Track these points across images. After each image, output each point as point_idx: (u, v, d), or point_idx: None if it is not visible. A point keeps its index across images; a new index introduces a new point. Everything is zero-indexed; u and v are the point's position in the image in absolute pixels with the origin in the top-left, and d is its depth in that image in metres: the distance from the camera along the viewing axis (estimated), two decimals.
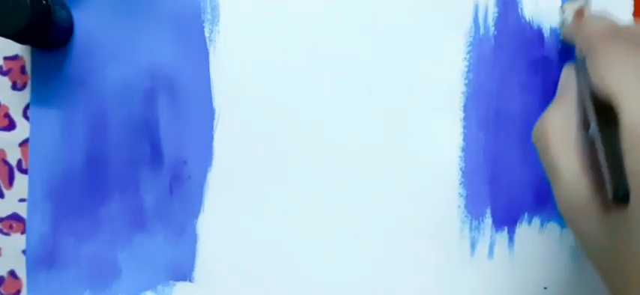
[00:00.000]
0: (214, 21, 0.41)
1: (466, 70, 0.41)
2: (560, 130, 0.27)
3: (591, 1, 0.37)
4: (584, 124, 0.27)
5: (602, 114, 0.24)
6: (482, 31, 0.41)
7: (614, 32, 0.27)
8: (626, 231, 0.23)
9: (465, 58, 0.41)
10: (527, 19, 0.41)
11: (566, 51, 0.40)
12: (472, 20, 0.41)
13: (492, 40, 0.41)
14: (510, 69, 0.41)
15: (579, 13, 0.34)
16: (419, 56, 0.41)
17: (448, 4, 0.41)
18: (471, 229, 0.41)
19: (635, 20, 0.41)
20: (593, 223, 0.25)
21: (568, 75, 0.29)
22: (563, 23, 0.38)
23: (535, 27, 0.41)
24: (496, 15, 0.41)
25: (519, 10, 0.41)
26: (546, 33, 0.41)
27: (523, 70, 0.41)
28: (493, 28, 0.41)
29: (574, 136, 0.27)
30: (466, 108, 0.41)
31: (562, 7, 0.39)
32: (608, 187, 0.23)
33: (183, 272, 0.42)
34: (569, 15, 0.37)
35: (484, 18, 0.41)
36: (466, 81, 0.41)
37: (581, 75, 0.28)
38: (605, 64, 0.25)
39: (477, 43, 0.41)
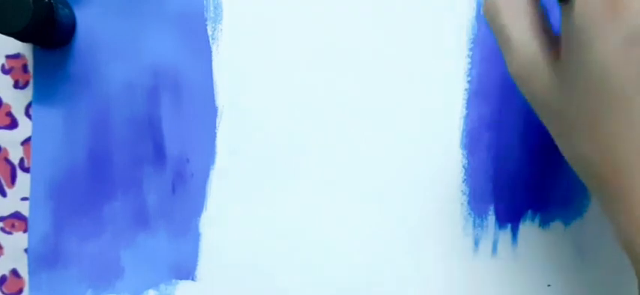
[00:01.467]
0: (217, 19, 0.41)
1: (469, 67, 0.41)
2: (513, 3, 0.28)
3: None
4: None
5: None
6: (485, 27, 0.41)
7: None
8: (570, 74, 0.25)
9: (468, 55, 0.41)
10: None
11: None
12: (474, 17, 0.41)
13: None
14: None
15: None
16: (421, 53, 0.41)
17: (450, 2, 0.41)
18: (474, 226, 0.41)
19: None
20: (543, 80, 0.27)
21: None
22: None
23: None
24: None
25: None
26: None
27: None
28: None
29: (523, 3, 0.28)
30: (469, 105, 0.41)
31: None
32: None
33: (186, 271, 0.42)
34: None
35: None
36: (469, 79, 0.41)
37: None
38: None
39: (479, 40, 0.41)
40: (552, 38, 0.28)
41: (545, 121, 0.28)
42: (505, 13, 0.28)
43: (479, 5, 0.41)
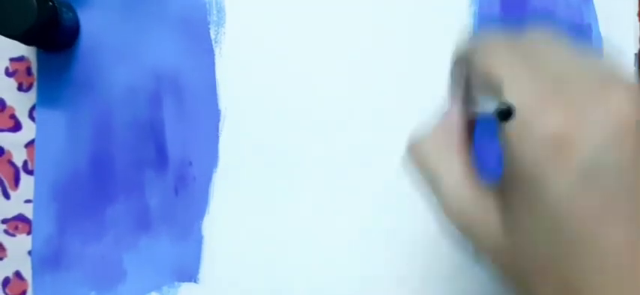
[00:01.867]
0: (220, 22, 0.42)
1: None
2: (442, 146, 0.27)
3: None
4: (467, 126, 0.27)
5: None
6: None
7: (491, 35, 0.28)
8: (518, 220, 0.24)
9: None
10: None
11: None
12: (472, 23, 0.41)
13: None
14: None
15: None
16: (426, 62, 0.41)
17: (447, 8, 0.42)
18: None
19: (638, 19, 0.41)
20: (485, 226, 0.25)
21: (451, 98, 0.29)
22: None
23: None
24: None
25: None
26: None
27: None
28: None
29: (454, 143, 0.27)
30: None
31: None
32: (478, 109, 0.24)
33: (189, 274, 0.42)
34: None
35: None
36: None
37: (460, 81, 0.28)
38: (488, 55, 0.25)
39: None
40: (488, 183, 0.27)
41: (490, 266, 0.27)
42: (433, 156, 0.27)
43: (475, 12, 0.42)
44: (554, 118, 0.22)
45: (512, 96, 0.23)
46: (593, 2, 0.41)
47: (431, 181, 0.27)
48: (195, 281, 0.42)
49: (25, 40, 0.38)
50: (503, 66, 0.24)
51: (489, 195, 0.26)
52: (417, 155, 0.27)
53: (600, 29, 0.41)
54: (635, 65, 0.41)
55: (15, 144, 0.42)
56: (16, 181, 0.42)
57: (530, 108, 0.23)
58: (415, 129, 0.28)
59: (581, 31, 0.41)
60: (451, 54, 0.28)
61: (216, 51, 0.42)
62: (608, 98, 0.22)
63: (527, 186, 0.23)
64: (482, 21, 0.41)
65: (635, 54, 0.41)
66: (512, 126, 0.23)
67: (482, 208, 0.26)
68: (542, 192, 0.22)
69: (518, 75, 0.24)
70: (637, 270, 0.22)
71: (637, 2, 0.41)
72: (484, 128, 0.28)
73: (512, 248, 0.24)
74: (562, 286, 0.23)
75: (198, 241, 0.42)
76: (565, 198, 0.22)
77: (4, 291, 0.42)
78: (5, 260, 0.42)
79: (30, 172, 0.42)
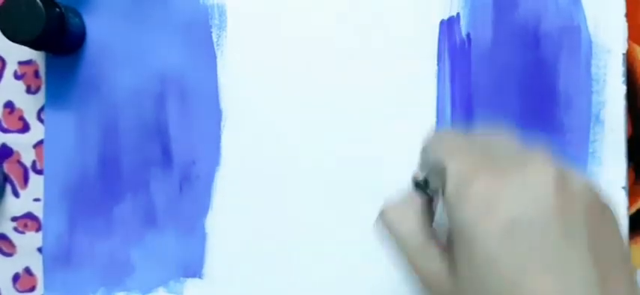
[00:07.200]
0: (222, 26, 0.43)
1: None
2: (406, 211, 0.32)
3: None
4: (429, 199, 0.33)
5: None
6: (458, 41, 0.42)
7: (444, 131, 0.34)
8: (459, 267, 0.28)
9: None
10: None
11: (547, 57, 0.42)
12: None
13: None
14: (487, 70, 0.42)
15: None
16: (429, 59, 0.42)
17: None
18: None
19: (627, 20, 0.42)
20: (435, 272, 0.29)
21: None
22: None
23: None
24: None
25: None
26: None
27: (505, 73, 0.42)
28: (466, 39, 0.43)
29: (418, 214, 0.31)
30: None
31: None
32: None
33: (194, 269, 0.43)
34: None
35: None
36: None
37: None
38: (438, 144, 0.31)
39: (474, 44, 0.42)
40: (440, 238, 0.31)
41: None
42: (399, 218, 0.31)
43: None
44: (483, 182, 0.26)
45: (451, 167, 0.28)
46: (581, 4, 0.42)
47: (397, 240, 0.31)
48: (199, 277, 0.43)
49: (33, 45, 0.39)
50: (447, 148, 0.30)
51: (442, 252, 0.30)
52: (386, 219, 0.32)
53: (589, 30, 0.42)
54: (623, 65, 0.42)
55: (24, 144, 0.43)
56: (25, 180, 0.43)
57: (464, 176, 0.27)
58: (387, 198, 0.32)
59: (571, 32, 0.42)
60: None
61: (218, 53, 0.43)
62: (528, 165, 0.26)
63: (463, 240, 0.27)
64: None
65: (624, 54, 0.42)
66: (449, 192, 0.27)
67: (436, 262, 0.30)
68: (474, 245, 0.26)
69: (457, 153, 0.28)
70: None
71: (625, 3, 0.42)
72: None
73: (455, 293, 0.28)
74: None
75: (203, 237, 0.43)
76: (493, 249, 0.25)
77: (15, 286, 0.44)
78: (15, 256, 0.44)
79: (38, 172, 0.43)
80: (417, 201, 0.32)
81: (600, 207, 0.27)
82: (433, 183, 0.31)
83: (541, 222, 0.25)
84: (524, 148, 0.28)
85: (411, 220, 0.31)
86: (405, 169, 0.42)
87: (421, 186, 0.32)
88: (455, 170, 0.28)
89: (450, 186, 0.27)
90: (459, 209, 0.27)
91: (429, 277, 0.30)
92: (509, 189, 0.26)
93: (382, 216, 0.32)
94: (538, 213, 0.25)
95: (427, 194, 0.32)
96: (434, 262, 0.30)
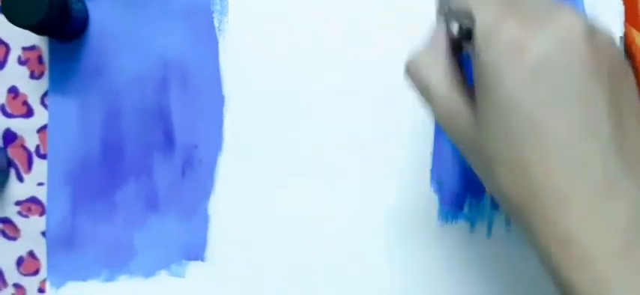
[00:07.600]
0: (223, 11, 0.43)
1: None
2: (431, 61, 0.31)
3: None
4: (454, 47, 0.32)
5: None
6: None
7: None
8: (485, 113, 0.28)
9: None
10: None
11: None
12: None
13: None
14: None
15: None
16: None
17: None
18: (470, 208, 0.43)
19: (626, 26, 0.42)
20: (463, 123, 0.30)
21: (437, 22, 0.33)
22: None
23: None
24: None
25: None
26: None
27: None
28: None
29: (441, 58, 0.31)
30: None
31: None
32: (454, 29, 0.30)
33: (196, 252, 0.43)
34: None
35: None
36: None
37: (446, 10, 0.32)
38: None
39: None
40: (468, 86, 0.31)
41: (469, 160, 0.31)
42: (424, 68, 0.31)
43: None
44: (511, 28, 0.27)
45: (479, 14, 0.28)
46: None
47: (423, 91, 0.32)
48: (201, 260, 0.43)
49: (37, 30, 0.39)
50: None
51: (468, 99, 0.30)
52: (411, 70, 0.32)
53: (586, 13, 0.42)
54: (621, 48, 0.42)
55: (28, 129, 0.44)
56: (29, 165, 0.44)
57: (492, 22, 0.27)
58: (412, 47, 0.32)
59: None
60: None
61: (220, 39, 0.43)
62: (558, 15, 0.26)
63: (488, 83, 0.27)
64: None
65: (621, 37, 0.42)
66: (478, 37, 0.28)
67: (462, 108, 0.30)
68: (499, 88, 0.27)
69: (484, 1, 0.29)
70: (579, 154, 0.26)
71: (623, 9, 0.42)
72: None
73: (478, 138, 0.29)
74: (515, 167, 0.27)
75: (205, 221, 0.43)
76: (518, 91, 0.26)
77: (19, 270, 0.44)
78: (19, 240, 0.44)
79: (42, 156, 0.44)
80: (442, 47, 0.32)
81: (622, 64, 0.28)
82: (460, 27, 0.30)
83: (568, 67, 0.26)
84: (553, 2, 0.28)
85: (436, 69, 0.31)
86: (409, 152, 0.43)
87: (461, 30, 0.30)
88: (483, 15, 0.28)
89: (479, 30, 0.28)
90: (486, 52, 0.27)
91: (455, 126, 0.30)
92: (538, 35, 0.26)
93: (408, 68, 0.32)
94: (566, 58, 0.26)
95: (463, 33, 0.30)
96: (460, 110, 0.30)
